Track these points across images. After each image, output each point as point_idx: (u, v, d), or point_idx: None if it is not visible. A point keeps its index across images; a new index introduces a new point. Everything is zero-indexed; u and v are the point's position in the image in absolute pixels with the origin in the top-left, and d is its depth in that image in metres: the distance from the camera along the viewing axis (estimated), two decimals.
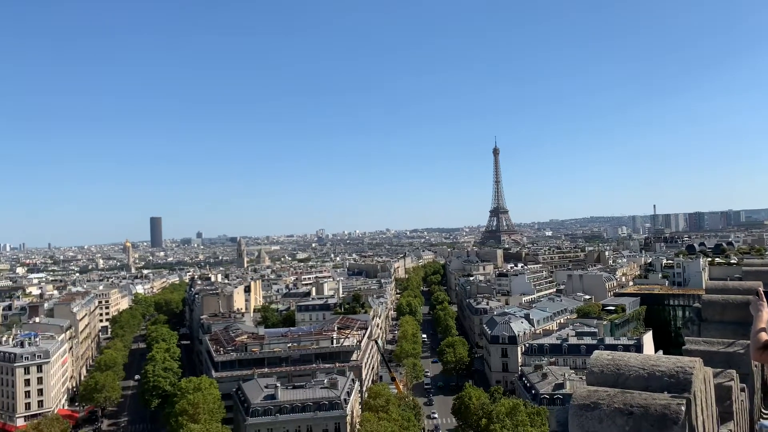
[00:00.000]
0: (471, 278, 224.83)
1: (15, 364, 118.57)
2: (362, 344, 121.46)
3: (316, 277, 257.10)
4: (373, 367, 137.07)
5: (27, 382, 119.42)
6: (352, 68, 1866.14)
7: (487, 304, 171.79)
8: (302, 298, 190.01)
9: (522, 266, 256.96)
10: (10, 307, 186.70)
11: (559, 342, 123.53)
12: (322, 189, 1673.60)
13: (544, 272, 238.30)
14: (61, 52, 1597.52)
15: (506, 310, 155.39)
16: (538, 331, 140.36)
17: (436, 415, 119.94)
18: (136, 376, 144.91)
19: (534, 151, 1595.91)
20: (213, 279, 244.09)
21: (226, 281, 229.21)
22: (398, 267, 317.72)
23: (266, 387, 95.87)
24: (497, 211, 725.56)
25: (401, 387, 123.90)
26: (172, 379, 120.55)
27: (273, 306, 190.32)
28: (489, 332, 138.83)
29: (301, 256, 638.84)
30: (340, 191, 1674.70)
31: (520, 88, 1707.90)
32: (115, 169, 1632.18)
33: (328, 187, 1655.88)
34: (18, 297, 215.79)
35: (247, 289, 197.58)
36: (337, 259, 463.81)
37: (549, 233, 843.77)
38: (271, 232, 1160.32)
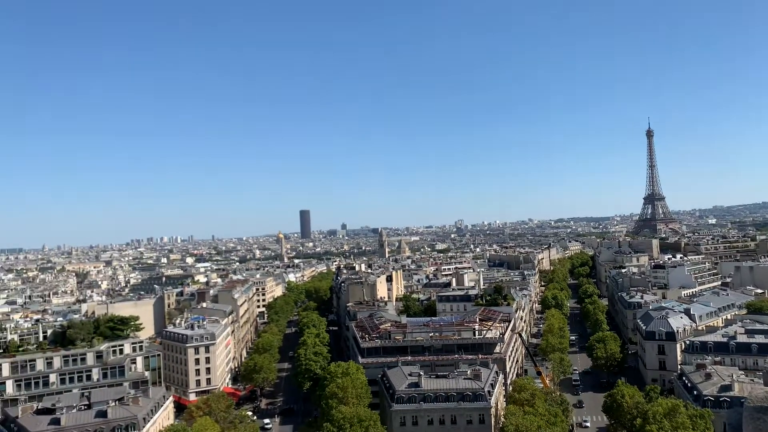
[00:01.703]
0: (623, 270, 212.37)
1: (187, 345, 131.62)
2: (505, 337, 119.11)
3: (456, 267, 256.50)
4: (517, 361, 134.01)
5: (197, 361, 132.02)
6: (489, 60, 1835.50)
7: (642, 297, 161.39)
8: (443, 289, 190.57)
9: (681, 257, 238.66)
10: (182, 293, 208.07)
11: (725, 340, 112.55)
12: (461, 180, 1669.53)
13: (707, 264, 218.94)
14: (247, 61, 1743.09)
15: (663, 305, 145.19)
16: (700, 328, 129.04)
17: (586, 418, 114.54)
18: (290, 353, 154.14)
19: (695, 132, 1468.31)
20: (357, 268, 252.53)
21: (369, 271, 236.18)
22: (542, 258, 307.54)
23: (410, 375, 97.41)
24: (652, 198, 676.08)
25: (547, 381, 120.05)
26: (322, 362, 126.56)
27: (414, 296, 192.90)
28: (644, 328, 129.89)
29: (440, 246, 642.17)
30: (479, 182, 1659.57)
31: (679, 62, 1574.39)
32: (269, 167, 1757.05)
33: (466, 178, 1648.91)
34: (188, 284, 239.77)
35: (389, 279, 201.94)
36: (477, 250, 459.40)
37: (712, 221, 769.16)
38: (410, 224, 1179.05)
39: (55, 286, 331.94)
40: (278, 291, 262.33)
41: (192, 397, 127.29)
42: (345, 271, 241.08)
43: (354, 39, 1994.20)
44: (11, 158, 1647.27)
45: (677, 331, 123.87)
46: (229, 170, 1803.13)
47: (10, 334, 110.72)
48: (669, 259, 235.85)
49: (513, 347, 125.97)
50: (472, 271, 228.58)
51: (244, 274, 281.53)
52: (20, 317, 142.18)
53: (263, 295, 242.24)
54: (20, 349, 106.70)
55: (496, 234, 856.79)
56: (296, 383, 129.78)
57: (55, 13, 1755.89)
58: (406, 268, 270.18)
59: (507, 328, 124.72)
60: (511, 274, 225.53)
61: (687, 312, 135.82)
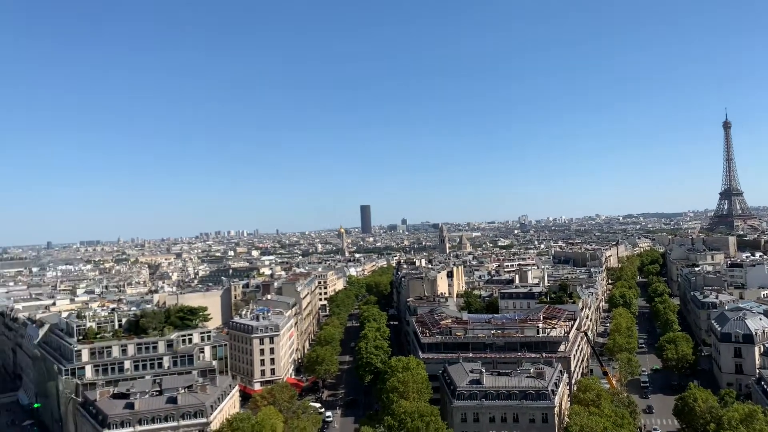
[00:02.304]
0: (696, 269, 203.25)
1: (252, 335, 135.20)
2: (570, 335, 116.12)
3: (519, 264, 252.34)
4: (582, 360, 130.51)
5: (261, 352, 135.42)
6: (552, 48, 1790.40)
7: (717, 297, 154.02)
8: (505, 286, 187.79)
9: (761, 255, 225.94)
10: (247, 285, 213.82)
11: None
12: (525, 175, 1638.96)
13: None
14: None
15: (740, 305, 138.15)
16: None
17: (655, 421, 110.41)
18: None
19: None
20: (417, 263, 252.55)
21: (430, 266, 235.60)
22: (610, 255, 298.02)
23: (471, 372, 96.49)
24: (729, 193, 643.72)
25: (614, 382, 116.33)
26: (382, 356, 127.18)
27: (475, 292, 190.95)
28: (719, 329, 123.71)
29: (503, 242, 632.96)
30: (543, 176, 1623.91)
31: (758, 48, 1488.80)
32: (331, 164, 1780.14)
33: (530, 173, 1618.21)
34: (253, 276, 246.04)
35: (450, 275, 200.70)
36: (541, 246, 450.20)
37: None
38: (472, 219, 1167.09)
39: (130, 277, 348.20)
40: (339, 285, 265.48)
41: (257, 386, 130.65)
42: (405, 266, 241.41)
43: (409, 40, 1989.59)
44: (90, 156, 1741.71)
45: (756, 334, 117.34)
46: (293, 166, 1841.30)
47: (89, 321, 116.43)
48: (747, 257, 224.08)
49: (578, 346, 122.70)
50: (536, 267, 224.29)
51: (307, 268, 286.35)
52: (98, 306, 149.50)
53: (325, 288, 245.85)
54: (97, 336, 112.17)
55: (562, 230, 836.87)
56: (357, 376, 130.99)
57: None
58: (468, 264, 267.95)
59: (572, 326, 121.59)
60: (577, 271, 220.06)
61: (767, 314, 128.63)
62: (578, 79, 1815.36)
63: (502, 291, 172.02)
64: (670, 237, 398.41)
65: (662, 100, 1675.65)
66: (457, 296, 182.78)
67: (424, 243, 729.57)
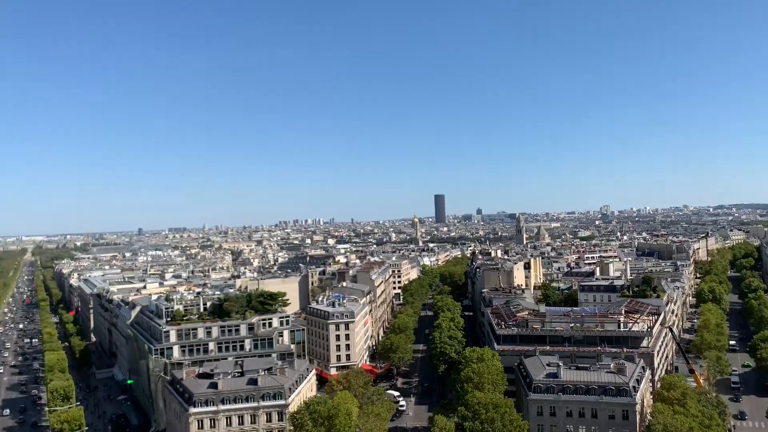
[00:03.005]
0: None
1: (328, 321, 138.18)
2: (654, 331, 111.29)
3: (601, 256, 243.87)
4: (666, 357, 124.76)
5: (337, 337, 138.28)
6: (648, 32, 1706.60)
7: None
8: (585, 278, 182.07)
9: None
10: (324, 272, 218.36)
11: None
12: (607, 165, 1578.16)
13: None
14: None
15: None
16: None
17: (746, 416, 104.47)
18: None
19: None
20: (493, 254, 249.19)
21: (506, 257, 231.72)
22: (698, 248, 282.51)
23: (548, 365, 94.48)
24: None
25: (701, 381, 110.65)
26: (456, 347, 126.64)
27: (553, 284, 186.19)
28: None
29: (583, 234, 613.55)
30: (627, 165, 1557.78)
31: None
32: (406, 153, 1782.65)
33: (613, 163, 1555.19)
34: (329, 264, 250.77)
35: (527, 266, 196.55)
36: (624, 237, 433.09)
37: None
38: (550, 209, 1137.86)
39: (214, 262, 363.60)
40: (413, 274, 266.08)
41: (333, 371, 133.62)
42: (480, 257, 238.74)
43: (490, 30, 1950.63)
44: (179, 149, 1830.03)
45: None
46: (367, 156, 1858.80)
47: (176, 304, 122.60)
48: None
49: (662, 342, 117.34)
50: (618, 260, 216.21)
51: (381, 257, 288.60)
52: (184, 290, 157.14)
53: (399, 277, 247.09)
54: (184, 318, 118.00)
55: (646, 221, 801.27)
56: (431, 365, 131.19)
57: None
58: (546, 255, 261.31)
59: (656, 321, 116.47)
60: (662, 264, 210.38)
61: None
62: (664, 66, 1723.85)
63: (582, 284, 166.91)
64: (766, 230, 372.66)
65: (756, 85, 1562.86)
66: (534, 288, 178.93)
67: (499, 233, 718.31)
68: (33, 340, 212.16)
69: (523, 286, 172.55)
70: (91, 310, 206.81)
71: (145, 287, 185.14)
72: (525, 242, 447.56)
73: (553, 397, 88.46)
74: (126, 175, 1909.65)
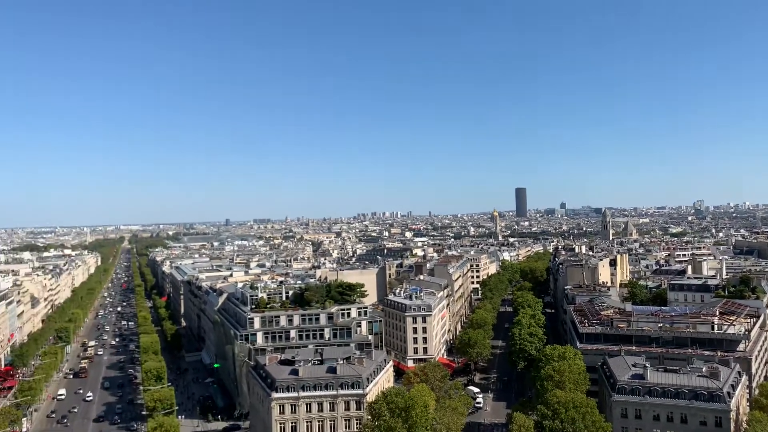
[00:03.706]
0: None
1: (406, 314, 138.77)
2: (752, 334, 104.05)
3: (693, 254, 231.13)
4: (766, 362, 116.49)
5: (414, 330, 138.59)
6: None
7: None
8: (675, 277, 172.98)
9: None
10: (401, 265, 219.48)
11: None
12: (700, 157, 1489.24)
13: None
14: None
15: None
16: None
17: None
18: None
19: None
20: (576, 250, 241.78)
21: (590, 253, 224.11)
22: None
23: (634, 366, 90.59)
24: None
25: None
26: (537, 344, 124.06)
27: (641, 282, 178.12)
28: None
29: (674, 230, 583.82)
30: (722, 158, 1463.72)
31: None
32: (486, 145, 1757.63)
33: (707, 155, 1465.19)
34: (407, 257, 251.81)
35: (613, 263, 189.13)
36: (720, 234, 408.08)
37: None
38: (639, 204, 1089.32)
39: (295, 252, 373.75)
40: (492, 269, 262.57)
41: (410, 363, 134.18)
42: (563, 253, 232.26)
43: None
44: (263, 145, 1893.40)
45: None
46: (446, 148, 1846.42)
47: (260, 292, 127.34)
48: None
49: (761, 347, 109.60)
50: (712, 258, 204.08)
51: (459, 250, 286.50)
52: (268, 278, 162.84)
53: (477, 271, 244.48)
54: (267, 306, 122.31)
55: (745, 217, 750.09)
56: (510, 362, 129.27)
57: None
58: (633, 252, 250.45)
59: (754, 324, 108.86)
60: (762, 263, 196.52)
61: None
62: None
63: (672, 282, 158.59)
64: None
65: None
66: (620, 286, 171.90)
67: (584, 228, 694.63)
68: (129, 323, 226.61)
69: (608, 284, 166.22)
70: (182, 296, 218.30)
71: (231, 275, 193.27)
72: (611, 238, 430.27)
73: (638, 399, 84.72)
74: (214, 169, 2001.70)
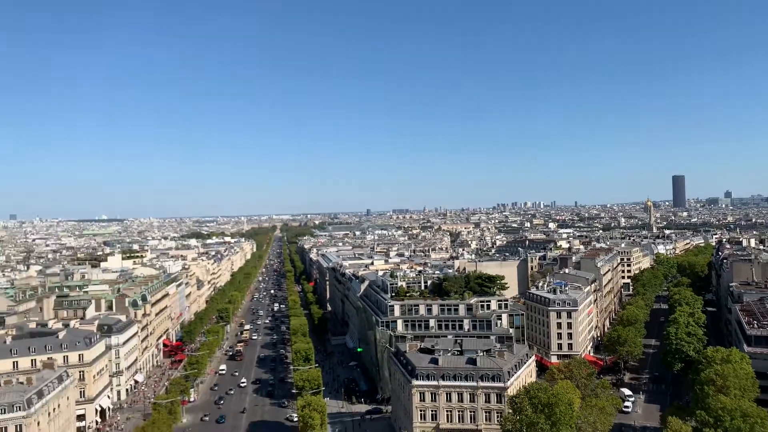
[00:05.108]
0: None
1: (549, 308, 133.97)
2: None
3: None
4: None
5: (558, 325, 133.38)
6: None
7: None
8: None
9: None
10: (544, 257, 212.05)
11: None
12: None
13: None
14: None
15: None
16: None
17: None
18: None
19: None
20: (744, 243, 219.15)
21: (762, 247, 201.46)
22: None
23: None
24: None
25: None
26: (696, 345, 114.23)
27: None
28: None
29: None
30: None
31: None
32: (639, 132, 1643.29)
33: None
34: (550, 249, 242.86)
35: None
36: None
37: None
38: None
39: (433, 243, 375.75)
40: (645, 263, 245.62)
41: (553, 359, 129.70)
42: (728, 246, 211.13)
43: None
44: (401, 139, 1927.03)
45: None
46: (593, 134, 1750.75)
47: (400, 281, 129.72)
48: None
49: None
50: None
51: (608, 243, 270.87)
52: (407, 267, 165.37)
53: (628, 266, 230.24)
54: (407, 294, 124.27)
55: None
56: (664, 362, 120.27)
57: None
58: None
59: None
60: None
61: None
62: None
63: None
64: None
65: None
66: None
67: (753, 219, 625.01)
68: (281, 305, 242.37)
69: None
70: (327, 282, 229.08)
71: (372, 263, 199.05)
72: None
73: None
74: (356, 162, 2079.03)
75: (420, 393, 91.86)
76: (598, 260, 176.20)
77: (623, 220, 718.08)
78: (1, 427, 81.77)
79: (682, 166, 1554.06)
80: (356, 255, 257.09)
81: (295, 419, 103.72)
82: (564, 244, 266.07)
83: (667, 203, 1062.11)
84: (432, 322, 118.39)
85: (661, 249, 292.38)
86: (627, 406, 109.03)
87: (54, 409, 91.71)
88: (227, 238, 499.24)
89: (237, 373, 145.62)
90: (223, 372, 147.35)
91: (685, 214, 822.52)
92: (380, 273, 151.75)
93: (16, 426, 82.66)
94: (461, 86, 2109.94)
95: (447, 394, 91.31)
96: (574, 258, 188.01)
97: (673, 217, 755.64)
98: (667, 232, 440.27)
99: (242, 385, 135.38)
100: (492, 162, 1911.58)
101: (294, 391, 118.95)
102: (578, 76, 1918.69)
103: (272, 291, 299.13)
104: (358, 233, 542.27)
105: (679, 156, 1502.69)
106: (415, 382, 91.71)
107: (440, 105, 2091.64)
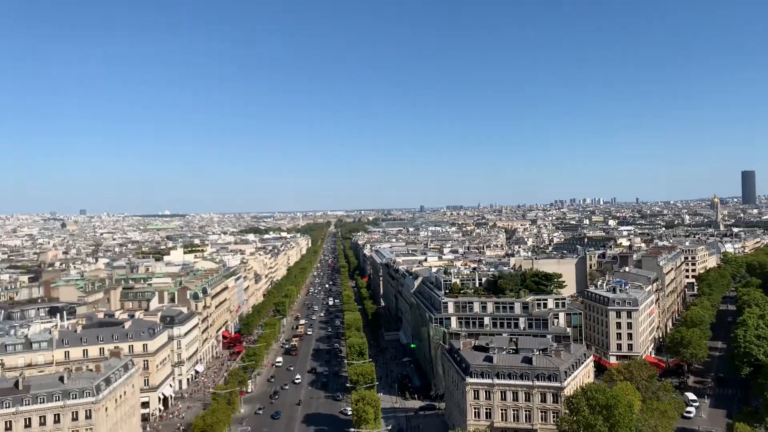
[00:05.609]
0: None
1: (608, 307, 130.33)
2: None
3: None
4: None
5: (618, 325, 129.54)
6: None
7: None
8: None
9: None
10: (603, 255, 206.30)
11: None
12: None
13: None
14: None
15: None
16: None
17: None
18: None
19: None
20: None
21: None
22: None
23: None
24: None
25: None
26: (766, 348, 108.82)
27: None
28: None
29: None
30: None
31: None
32: (706, 126, 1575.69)
33: None
34: (610, 247, 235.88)
35: None
36: None
37: None
38: None
39: (488, 239, 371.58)
40: (711, 262, 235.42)
41: (612, 359, 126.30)
42: None
43: None
44: (454, 135, 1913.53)
45: None
46: (656, 129, 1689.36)
47: (454, 278, 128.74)
48: None
49: None
50: None
51: (671, 241, 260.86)
52: (461, 264, 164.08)
53: (693, 265, 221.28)
54: (461, 291, 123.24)
55: None
56: (732, 366, 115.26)
57: None
58: None
59: None
60: None
61: None
62: None
63: None
64: None
65: None
66: None
67: None
68: (335, 300, 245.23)
69: None
70: (381, 278, 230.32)
71: (425, 260, 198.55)
72: None
73: None
74: (408, 159, 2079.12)
75: (474, 391, 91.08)
76: (660, 259, 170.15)
77: (687, 217, 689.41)
78: (72, 412, 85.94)
79: (753, 161, 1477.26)
80: (409, 251, 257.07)
81: (349, 413, 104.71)
82: (624, 242, 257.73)
83: (735, 200, 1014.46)
84: (486, 320, 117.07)
85: (728, 247, 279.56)
86: (690, 411, 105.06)
87: (120, 396, 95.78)
88: (283, 234, 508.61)
89: (292, 368, 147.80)
90: (280, 364, 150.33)
91: (755, 211, 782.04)
92: (434, 269, 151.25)
93: (86, 411, 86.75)
94: (521, 80, 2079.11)
95: (502, 392, 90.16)
96: (634, 256, 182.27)
97: (742, 215, 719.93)
98: (735, 230, 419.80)
99: (297, 381, 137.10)
100: (549, 157, 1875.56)
101: (348, 384, 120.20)
102: (641, 71, 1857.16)
103: (327, 285, 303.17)
104: (411, 230, 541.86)
105: (749, 151, 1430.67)
106: (469, 380, 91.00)
107: (496, 100, 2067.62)
